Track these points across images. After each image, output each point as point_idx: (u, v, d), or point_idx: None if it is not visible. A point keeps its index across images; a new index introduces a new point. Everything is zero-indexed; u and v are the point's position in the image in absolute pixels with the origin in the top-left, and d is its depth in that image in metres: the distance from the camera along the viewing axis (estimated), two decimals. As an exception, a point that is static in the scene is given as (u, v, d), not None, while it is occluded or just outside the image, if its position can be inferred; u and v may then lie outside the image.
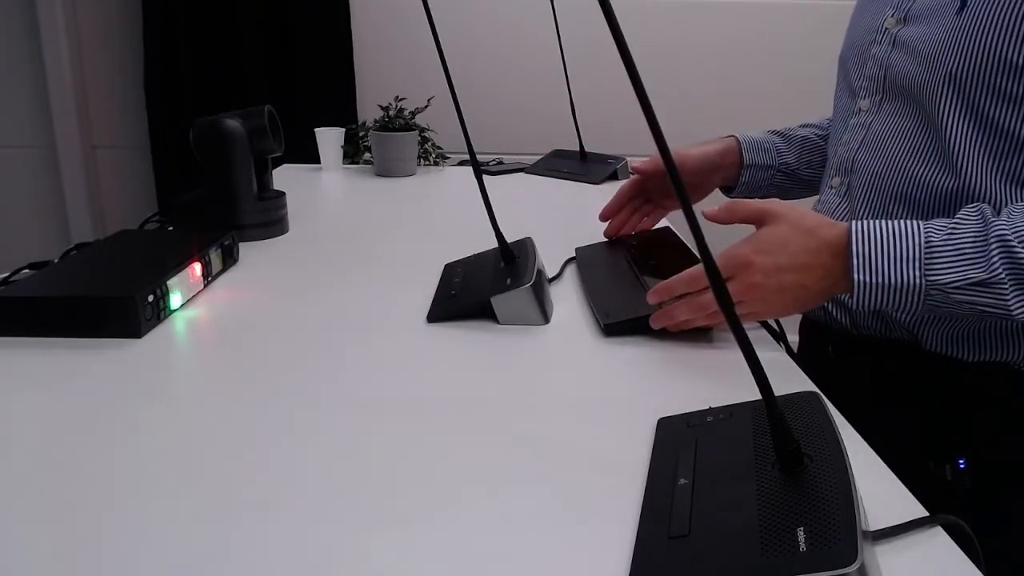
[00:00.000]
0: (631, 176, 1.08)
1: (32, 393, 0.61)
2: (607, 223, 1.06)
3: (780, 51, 2.33)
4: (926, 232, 0.66)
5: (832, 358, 0.90)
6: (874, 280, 0.66)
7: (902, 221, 0.67)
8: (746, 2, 2.31)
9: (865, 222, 0.68)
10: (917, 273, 0.65)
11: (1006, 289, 0.63)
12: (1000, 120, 0.71)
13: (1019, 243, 0.63)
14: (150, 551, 0.41)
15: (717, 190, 1.10)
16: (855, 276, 0.66)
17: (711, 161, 1.04)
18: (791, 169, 1.08)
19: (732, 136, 1.08)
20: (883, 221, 0.67)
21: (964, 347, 0.76)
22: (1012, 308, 0.64)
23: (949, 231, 0.66)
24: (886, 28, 0.83)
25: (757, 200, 0.72)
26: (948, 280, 0.64)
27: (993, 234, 0.64)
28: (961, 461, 0.77)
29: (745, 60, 2.34)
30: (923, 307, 0.67)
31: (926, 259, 0.65)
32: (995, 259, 0.63)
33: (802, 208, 0.72)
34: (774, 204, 0.71)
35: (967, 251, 0.65)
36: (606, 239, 1.06)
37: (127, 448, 0.52)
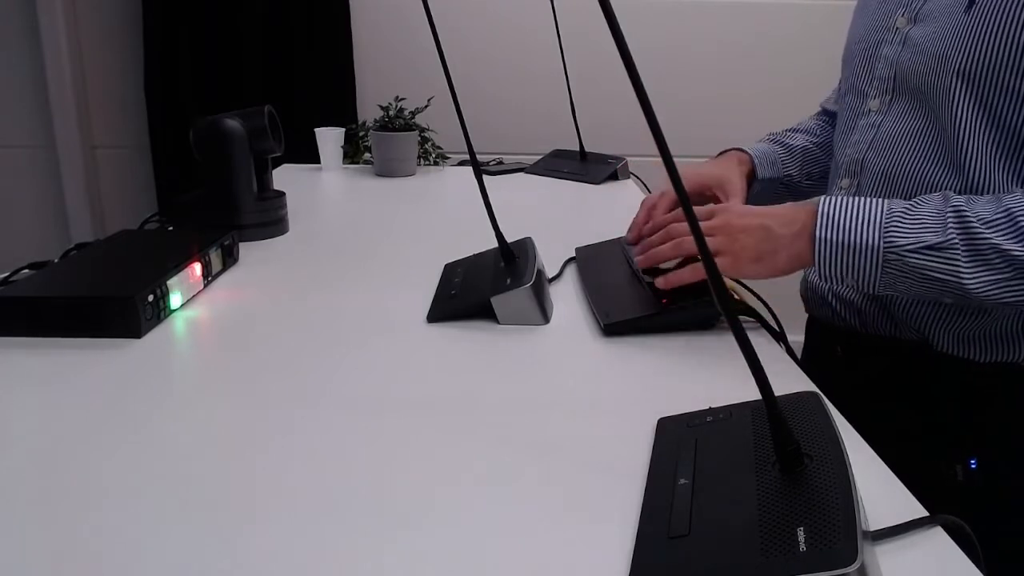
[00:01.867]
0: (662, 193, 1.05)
1: (32, 393, 0.61)
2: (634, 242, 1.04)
3: (780, 51, 2.33)
4: (890, 203, 0.70)
5: (841, 358, 0.89)
6: (835, 237, 0.69)
7: (872, 198, 0.71)
8: (746, 2, 2.31)
9: (836, 195, 0.72)
10: (876, 234, 0.68)
11: (958, 255, 0.66)
12: (1010, 118, 0.71)
13: (975, 219, 0.66)
14: (150, 551, 0.41)
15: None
16: (817, 233, 0.70)
17: (736, 175, 1.03)
18: (793, 181, 1.07)
19: (742, 151, 1.04)
20: (854, 196, 0.72)
21: (974, 347, 0.76)
22: (963, 277, 0.66)
23: (912, 203, 0.70)
24: (897, 28, 0.83)
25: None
26: (904, 242, 0.67)
27: (951, 207, 0.67)
28: (972, 461, 0.77)
29: (745, 60, 2.34)
30: (880, 273, 0.69)
31: (886, 222, 0.69)
32: (951, 227, 0.66)
33: None
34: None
35: (925, 219, 0.68)
36: (607, 240, 1.05)
37: (127, 448, 0.52)
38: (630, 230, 0.98)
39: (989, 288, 0.65)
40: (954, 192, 0.75)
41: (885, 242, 0.68)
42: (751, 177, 1.03)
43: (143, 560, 0.41)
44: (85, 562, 0.41)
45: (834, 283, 0.72)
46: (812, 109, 1.16)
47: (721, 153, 1.07)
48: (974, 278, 0.65)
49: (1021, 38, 0.69)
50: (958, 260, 0.65)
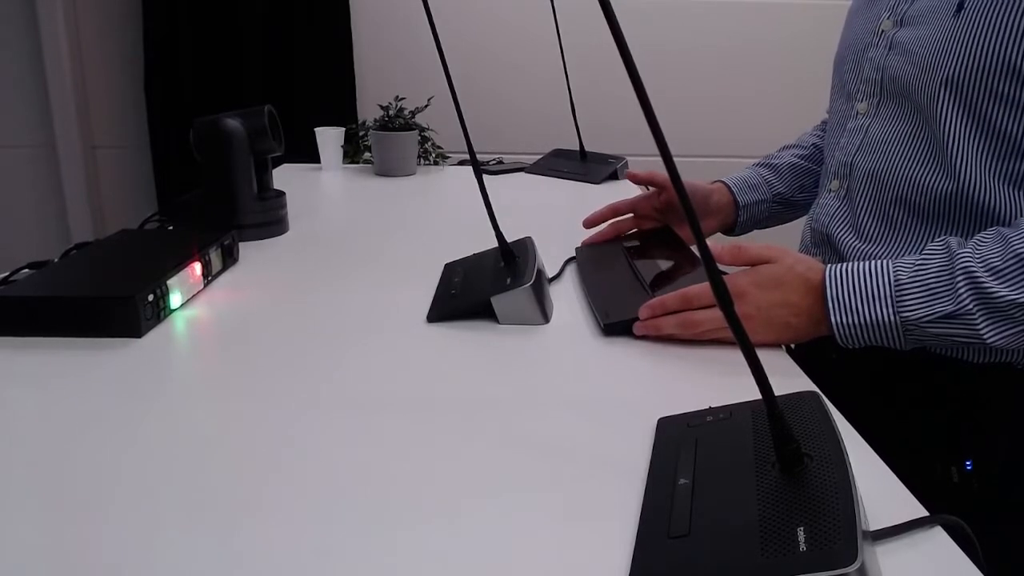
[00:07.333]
0: (649, 190, 1.07)
1: (32, 393, 0.61)
2: (588, 227, 1.05)
3: (779, 51, 2.33)
4: (895, 271, 0.68)
5: (835, 359, 0.90)
6: (850, 320, 0.69)
7: (873, 261, 0.69)
8: (746, 2, 2.31)
9: (838, 266, 0.70)
10: (890, 311, 0.67)
11: (975, 319, 0.65)
12: (998, 122, 0.71)
13: (986, 273, 0.65)
14: (150, 551, 0.41)
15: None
16: (832, 319, 0.69)
17: (701, 196, 1.07)
18: (785, 198, 1.11)
19: (720, 181, 1.11)
20: (855, 263, 0.70)
21: (969, 349, 0.76)
22: (985, 337, 0.65)
23: (916, 267, 0.68)
24: (883, 31, 0.83)
25: (761, 245, 0.74)
26: (919, 315, 0.67)
27: (959, 267, 0.66)
28: (968, 463, 0.77)
29: (745, 60, 2.34)
30: (904, 341, 0.68)
31: (896, 296, 0.67)
32: (962, 291, 0.65)
33: (800, 254, 0.74)
34: (774, 250, 0.73)
35: (933, 286, 0.67)
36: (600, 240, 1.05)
37: (127, 448, 0.52)
38: (586, 220, 1.04)
39: (1013, 339, 0.65)
40: (945, 193, 0.75)
41: (900, 318, 0.67)
42: (735, 204, 1.10)
43: (143, 559, 0.41)
44: (85, 562, 0.41)
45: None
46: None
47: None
48: (996, 334, 0.65)
49: (1010, 43, 0.69)
50: (977, 323, 0.65)
